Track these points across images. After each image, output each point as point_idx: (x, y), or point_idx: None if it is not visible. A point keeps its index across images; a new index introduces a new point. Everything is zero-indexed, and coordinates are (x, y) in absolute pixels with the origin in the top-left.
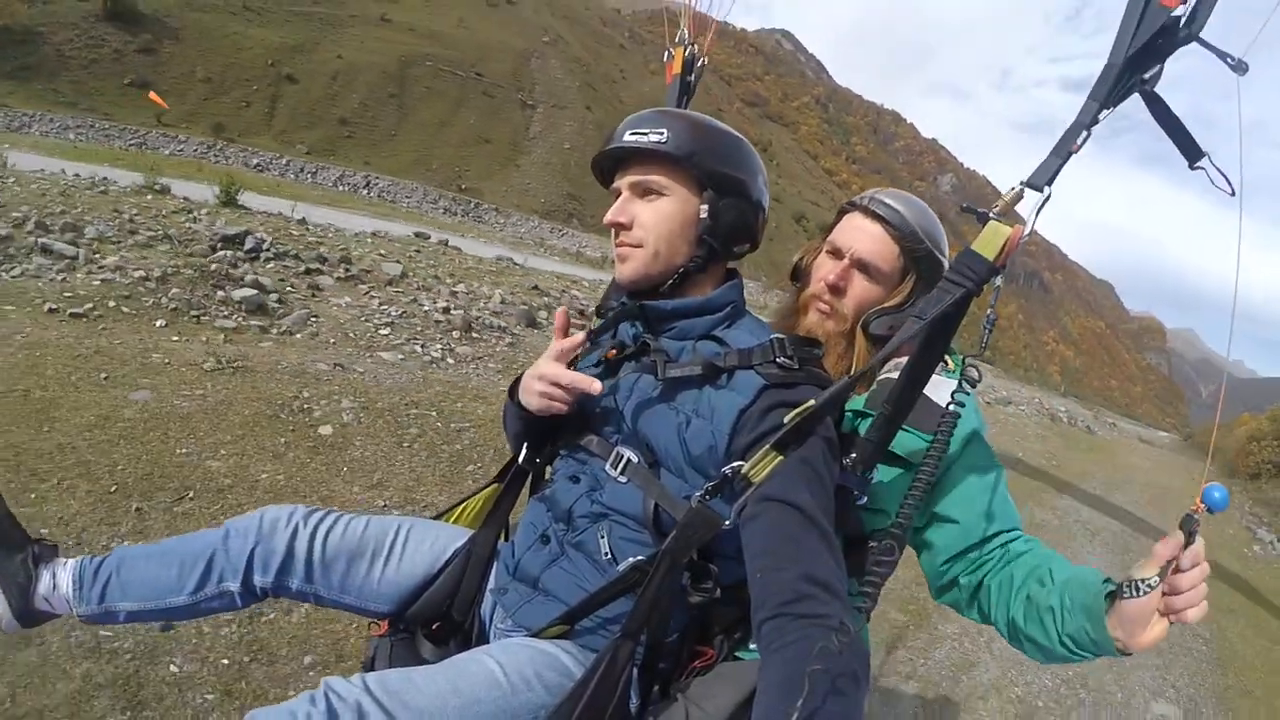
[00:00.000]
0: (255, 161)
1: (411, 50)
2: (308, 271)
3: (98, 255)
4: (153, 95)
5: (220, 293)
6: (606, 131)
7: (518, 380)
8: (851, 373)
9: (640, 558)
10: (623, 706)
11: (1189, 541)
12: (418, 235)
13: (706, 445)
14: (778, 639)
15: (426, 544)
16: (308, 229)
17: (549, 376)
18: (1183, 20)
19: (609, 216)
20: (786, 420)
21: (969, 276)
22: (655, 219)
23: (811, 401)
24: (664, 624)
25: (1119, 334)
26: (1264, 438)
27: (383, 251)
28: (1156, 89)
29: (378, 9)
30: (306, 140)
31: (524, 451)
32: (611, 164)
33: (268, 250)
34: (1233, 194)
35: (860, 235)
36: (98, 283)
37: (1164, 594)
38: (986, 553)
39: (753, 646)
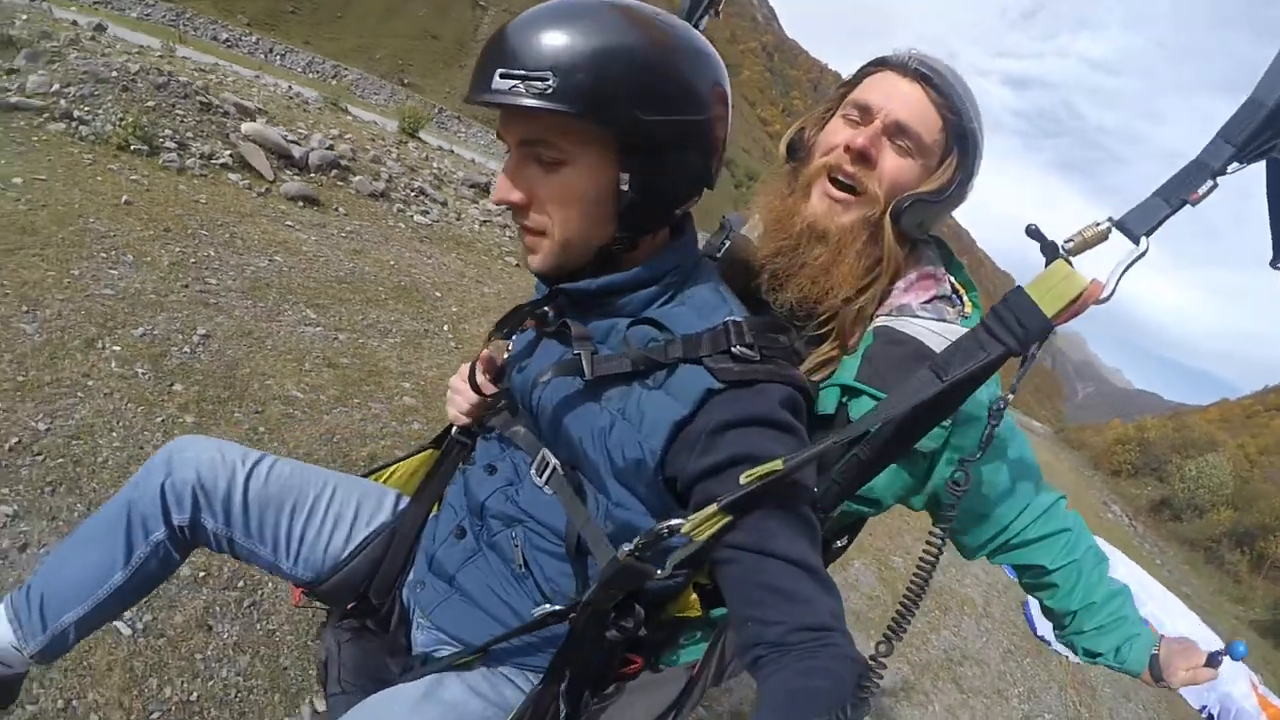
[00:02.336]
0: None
1: None
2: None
3: None
4: None
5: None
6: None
7: None
8: (876, 277)
9: (552, 606)
10: None
11: (1209, 664)
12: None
13: (633, 458)
14: (775, 666)
15: (351, 509)
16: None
17: (452, 387)
18: None
19: (496, 193)
20: (743, 480)
21: (1015, 333)
22: (558, 201)
23: (777, 463)
24: (586, 663)
25: None
26: (1129, 442)
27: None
28: None
29: None
30: (248, 10)
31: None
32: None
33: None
34: None
35: (897, 95)
36: None
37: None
38: (1016, 532)
39: (676, 655)
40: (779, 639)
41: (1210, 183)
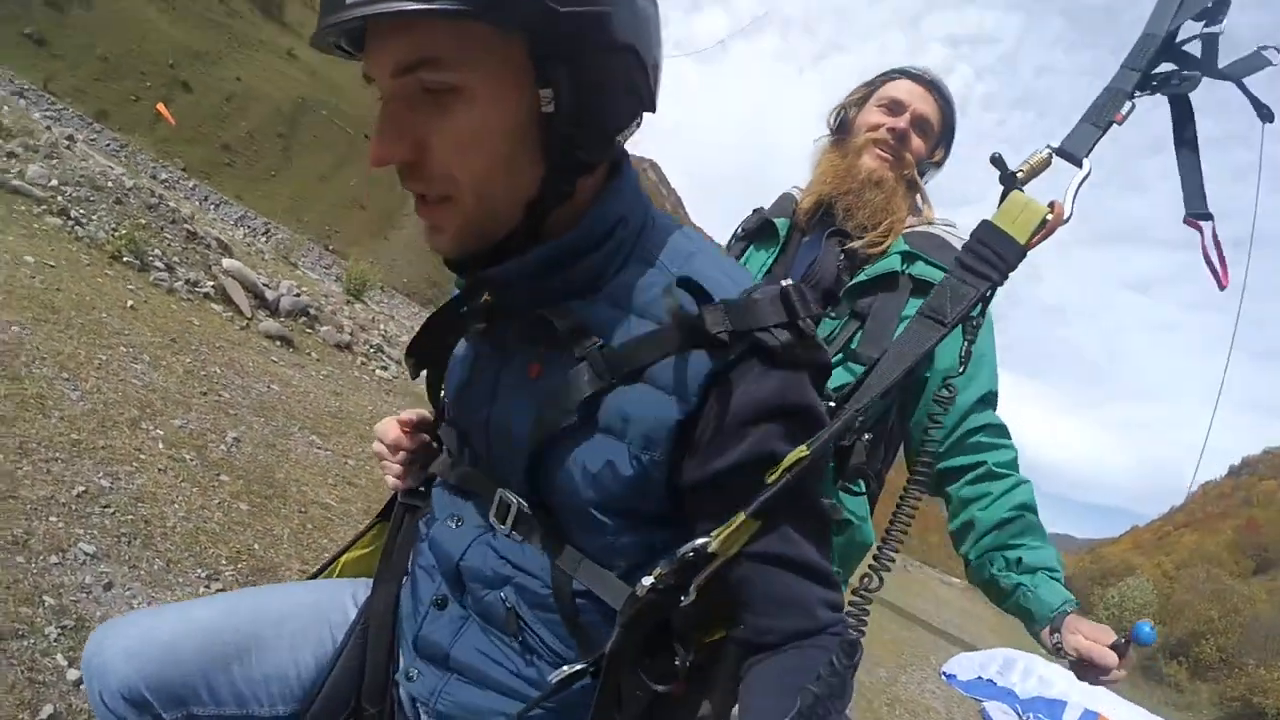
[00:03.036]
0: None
1: (309, 94)
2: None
3: None
4: (161, 108)
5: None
6: None
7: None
8: (885, 224)
9: (571, 667)
10: None
11: (1120, 652)
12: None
13: (627, 478)
14: (768, 659)
15: (309, 621)
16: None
17: (377, 452)
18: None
19: (377, 150)
20: (770, 479)
21: (996, 266)
22: (462, 144)
23: (803, 450)
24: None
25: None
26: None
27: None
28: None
29: (286, 42)
30: (185, 156)
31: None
32: (354, 36)
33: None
34: (1222, 289)
35: (918, 95)
36: None
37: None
38: (974, 426)
39: None
40: (776, 645)
41: (1128, 104)
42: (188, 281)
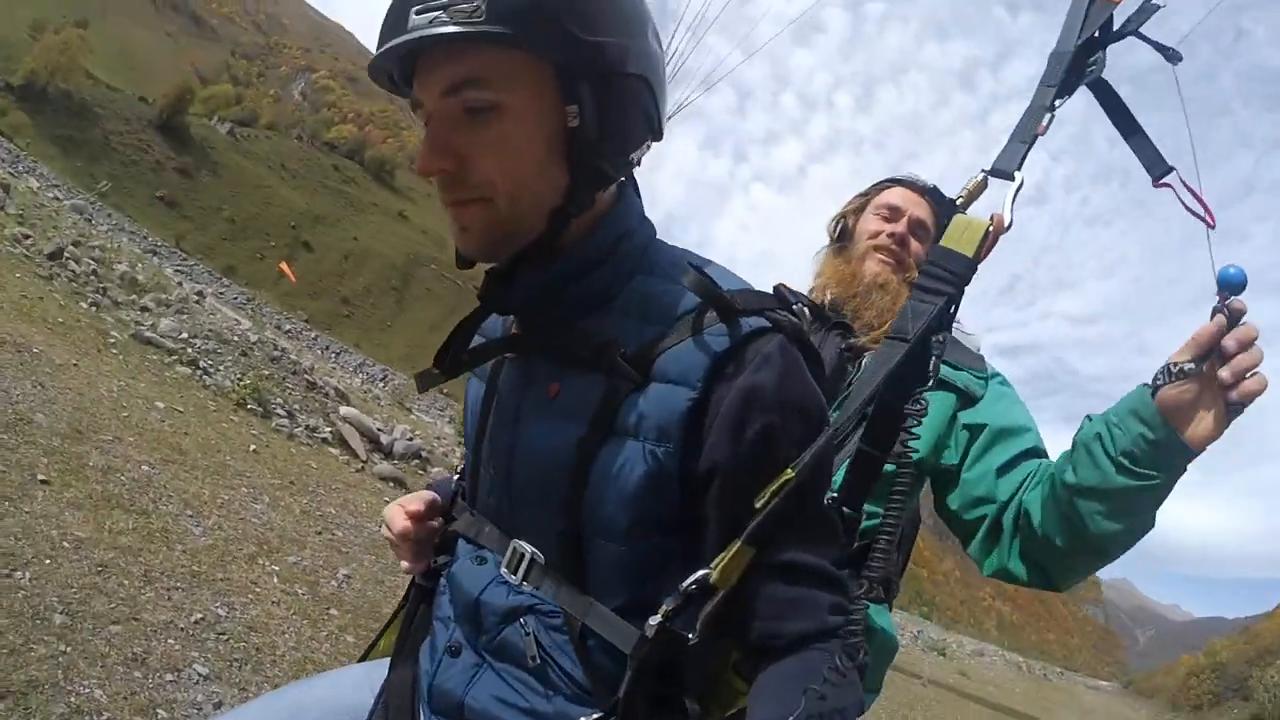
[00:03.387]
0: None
1: (420, 250)
2: None
3: None
4: (283, 266)
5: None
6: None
7: None
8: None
9: (592, 714)
10: None
11: (1231, 323)
12: None
13: (644, 474)
14: (774, 666)
15: (326, 712)
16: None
17: (389, 540)
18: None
19: (424, 162)
20: (759, 504)
21: (948, 280)
22: (499, 153)
23: (788, 473)
24: None
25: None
26: (1202, 672)
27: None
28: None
29: (398, 204)
30: (308, 308)
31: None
32: (405, 66)
33: None
34: (1212, 226)
35: (914, 201)
36: None
37: (1214, 381)
38: (1017, 474)
39: None
40: (782, 650)
41: (1048, 116)
42: (307, 427)
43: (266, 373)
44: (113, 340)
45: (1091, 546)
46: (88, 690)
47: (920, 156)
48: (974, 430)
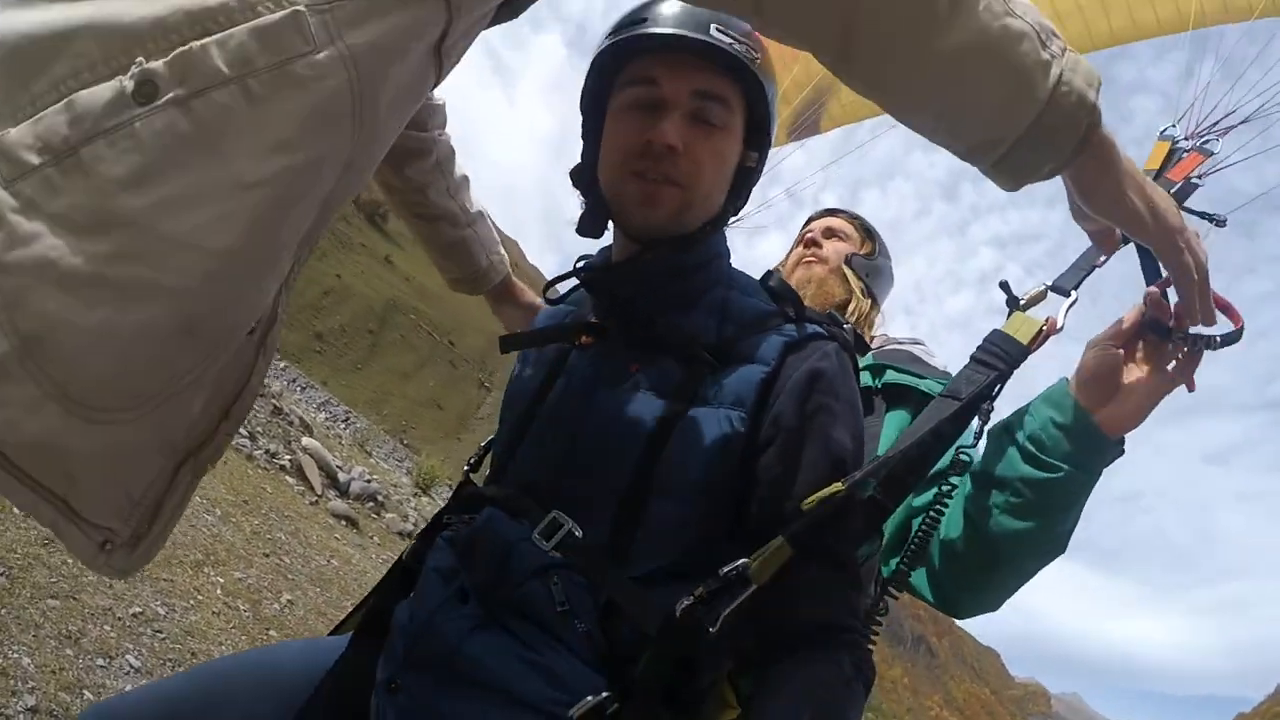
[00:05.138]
0: None
1: (400, 297)
2: None
3: None
4: None
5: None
6: (654, 7)
7: None
8: (850, 307)
9: (591, 699)
10: None
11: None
12: None
13: (718, 438)
14: (780, 670)
15: (266, 676)
16: None
17: None
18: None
19: (662, 135)
20: (804, 505)
21: (1002, 359)
22: (711, 157)
23: (839, 485)
24: None
25: (1003, 700)
26: None
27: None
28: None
29: (385, 249)
30: (281, 338)
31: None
32: (647, 52)
33: None
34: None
35: (819, 218)
36: None
37: (1137, 364)
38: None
39: None
40: (796, 631)
41: (1105, 257)
42: (267, 451)
43: None
44: None
45: (989, 550)
46: (16, 656)
47: (901, 260)
48: None
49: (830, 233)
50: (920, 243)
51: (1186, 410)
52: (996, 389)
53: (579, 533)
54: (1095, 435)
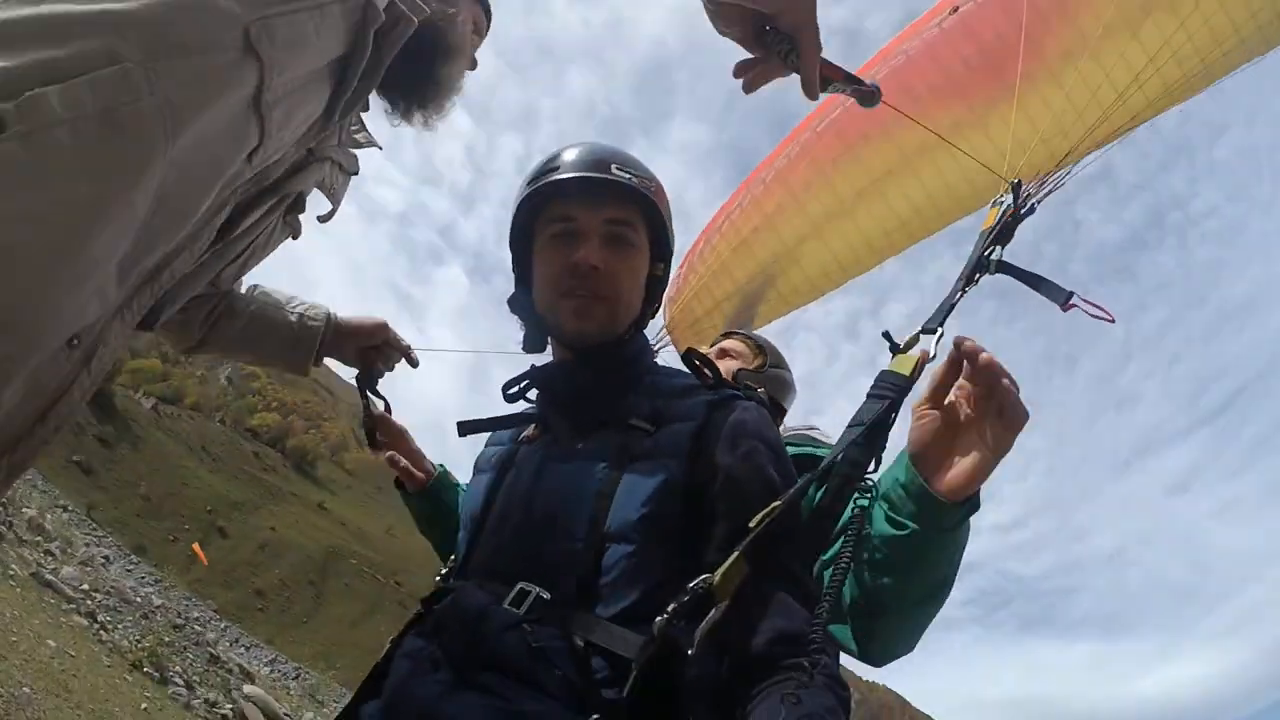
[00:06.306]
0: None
1: (339, 544)
2: None
3: None
4: (196, 548)
5: None
6: (561, 156)
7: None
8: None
9: None
10: None
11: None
12: None
13: (659, 483)
14: (766, 691)
15: None
16: None
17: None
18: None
19: (586, 256)
20: (753, 524)
21: (892, 389)
22: (628, 273)
23: (778, 502)
24: None
25: None
26: None
27: None
28: (1004, 258)
29: (317, 496)
30: (218, 598)
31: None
32: (562, 194)
33: None
34: (1112, 321)
35: (718, 344)
36: None
37: (966, 426)
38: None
39: None
40: (763, 650)
41: (961, 293)
42: (207, 701)
43: (168, 639)
44: (12, 574)
45: (873, 601)
46: None
47: (824, 410)
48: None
49: (723, 354)
50: (837, 386)
51: (1134, 456)
52: (892, 416)
53: (546, 595)
54: (929, 499)
